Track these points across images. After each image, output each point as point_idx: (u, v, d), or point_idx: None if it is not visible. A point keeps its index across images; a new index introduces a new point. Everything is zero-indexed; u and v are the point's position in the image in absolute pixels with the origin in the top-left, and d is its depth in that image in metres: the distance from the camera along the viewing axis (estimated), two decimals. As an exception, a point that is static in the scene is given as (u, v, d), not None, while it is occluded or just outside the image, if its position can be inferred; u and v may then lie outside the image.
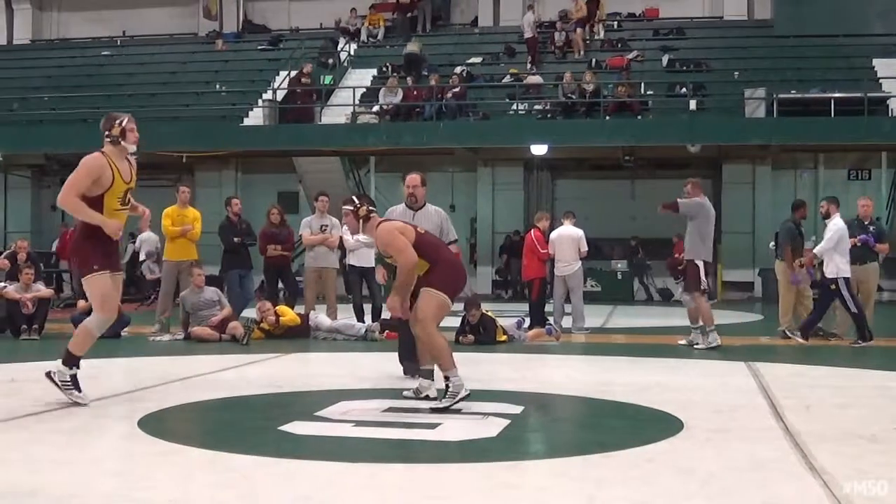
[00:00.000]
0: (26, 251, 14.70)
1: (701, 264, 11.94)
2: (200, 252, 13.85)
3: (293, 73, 25.29)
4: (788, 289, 13.32)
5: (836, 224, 12.71)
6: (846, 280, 12.47)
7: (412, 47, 26.64)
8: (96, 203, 6.97)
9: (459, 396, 6.95)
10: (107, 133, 7.06)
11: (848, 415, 7.01)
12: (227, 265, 14.12)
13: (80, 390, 6.98)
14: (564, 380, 9.28)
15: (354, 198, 7.55)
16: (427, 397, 7.40)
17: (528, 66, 26.48)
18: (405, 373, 8.83)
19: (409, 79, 25.82)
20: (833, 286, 12.51)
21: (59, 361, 7.01)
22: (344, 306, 14.14)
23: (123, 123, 7.09)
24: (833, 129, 22.27)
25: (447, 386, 7.03)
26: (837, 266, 12.44)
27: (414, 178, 9.13)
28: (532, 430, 6.72)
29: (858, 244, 12.94)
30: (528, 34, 26.83)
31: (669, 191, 25.70)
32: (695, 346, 11.96)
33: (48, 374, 7.01)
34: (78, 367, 7.02)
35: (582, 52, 27.32)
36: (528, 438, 6.40)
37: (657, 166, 25.80)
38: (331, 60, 27.37)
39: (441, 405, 6.96)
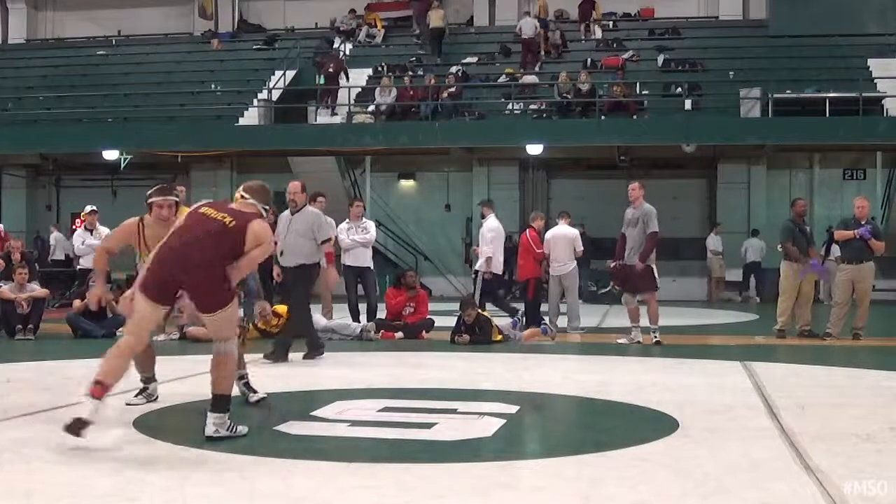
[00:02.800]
0: (20, 251, 14.66)
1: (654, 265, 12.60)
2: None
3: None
4: (792, 287, 13.34)
5: (490, 225, 14.17)
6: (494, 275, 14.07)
7: (437, 21, 26.73)
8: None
9: (145, 402, 7.23)
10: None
11: (843, 414, 7.02)
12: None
13: (240, 426, 5.98)
14: (560, 379, 9.28)
15: (176, 188, 7.78)
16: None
17: (525, 66, 26.42)
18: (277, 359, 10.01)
19: (406, 78, 25.81)
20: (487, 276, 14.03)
21: (211, 418, 5.88)
22: (338, 305, 14.12)
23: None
24: (828, 129, 22.30)
25: (145, 388, 7.35)
26: (491, 262, 13.92)
27: (295, 184, 10.69)
28: (527, 429, 6.73)
29: (857, 237, 12.99)
30: (528, 34, 26.71)
31: (665, 190, 25.94)
32: (634, 343, 12.46)
33: (210, 439, 5.77)
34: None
35: (551, 53, 27.27)
36: (524, 438, 6.40)
37: (653, 166, 25.81)
38: (332, 67, 27.30)
39: (134, 402, 7.17)
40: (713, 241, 24.47)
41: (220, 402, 5.91)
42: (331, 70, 25.20)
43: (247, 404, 7.29)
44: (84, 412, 5.55)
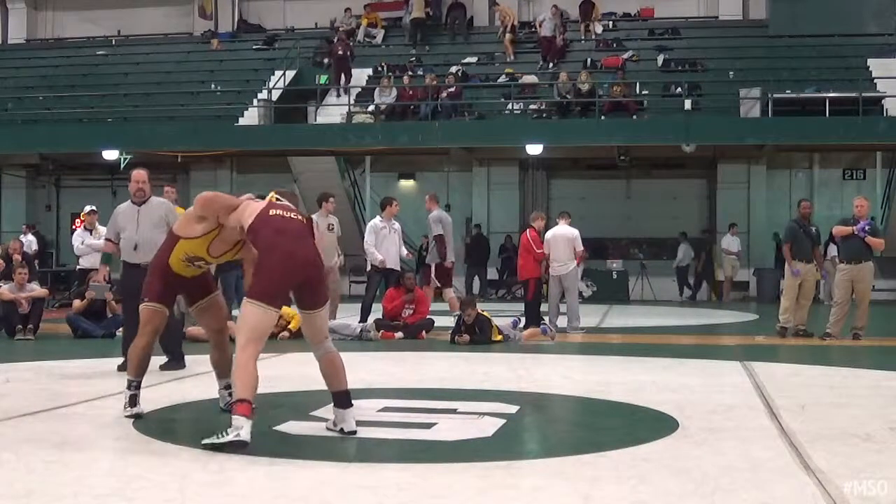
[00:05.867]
0: (20, 251, 14.67)
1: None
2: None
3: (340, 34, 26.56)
4: (793, 286, 13.39)
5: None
6: None
7: (417, 13, 26.79)
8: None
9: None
10: None
11: (843, 414, 7.02)
12: (225, 266, 14.05)
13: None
14: (560, 379, 9.28)
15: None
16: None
17: (550, 62, 26.42)
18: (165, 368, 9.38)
19: (406, 78, 25.81)
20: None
21: (351, 413, 6.08)
22: (343, 305, 14.11)
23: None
24: (828, 128, 22.28)
25: (135, 396, 6.75)
26: None
27: (140, 173, 9.46)
28: (527, 429, 6.73)
29: (856, 231, 13.03)
30: (547, 32, 26.71)
31: (665, 190, 25.99)
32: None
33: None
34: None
35: (512, 57, 27.35)
36: (524, 438, 6.40)
37: (652, 166, 25.85)
38: (326, 60, 27.36)
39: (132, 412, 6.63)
40: (729, 242, 24.25)
41: (349, 396, 6.11)
42: (340, 53, 25.31)
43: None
44: (244, 434, 5.41)
